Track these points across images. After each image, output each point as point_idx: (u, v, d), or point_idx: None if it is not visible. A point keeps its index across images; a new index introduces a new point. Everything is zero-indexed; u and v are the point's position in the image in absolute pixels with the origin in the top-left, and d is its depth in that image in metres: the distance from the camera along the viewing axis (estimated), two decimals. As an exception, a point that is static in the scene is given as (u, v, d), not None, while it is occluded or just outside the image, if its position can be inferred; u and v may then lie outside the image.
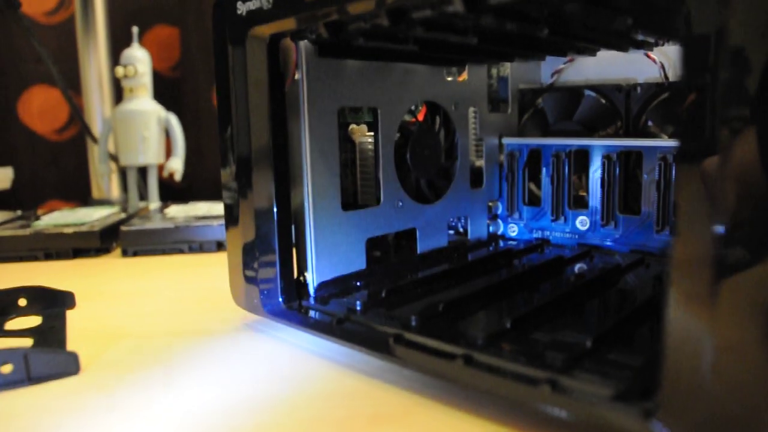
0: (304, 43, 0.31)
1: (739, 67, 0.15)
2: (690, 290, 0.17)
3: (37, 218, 0.63)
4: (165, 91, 0.86)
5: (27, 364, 0.27)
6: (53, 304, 0.37)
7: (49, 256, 0.55)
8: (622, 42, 0.35)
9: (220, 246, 0.55)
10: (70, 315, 0.37)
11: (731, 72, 0.15)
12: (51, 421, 0.24)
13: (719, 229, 0.16)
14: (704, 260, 0.16)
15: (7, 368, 0.27)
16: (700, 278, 0.16)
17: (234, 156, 0.32)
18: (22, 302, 0.37)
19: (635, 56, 0.39)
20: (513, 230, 0.44)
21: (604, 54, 0.39)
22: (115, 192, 0.84)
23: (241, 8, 0.30)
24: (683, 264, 0.17)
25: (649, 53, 0.39)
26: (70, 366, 0.28)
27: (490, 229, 0.45)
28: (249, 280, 0.33)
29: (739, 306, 0.16)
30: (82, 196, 0.90)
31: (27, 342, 0.32)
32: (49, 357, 0.28)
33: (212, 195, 0.87)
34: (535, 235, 0.43)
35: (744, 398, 0.16)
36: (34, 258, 0.54)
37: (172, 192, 0.88)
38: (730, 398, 0.16)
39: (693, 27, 0.16)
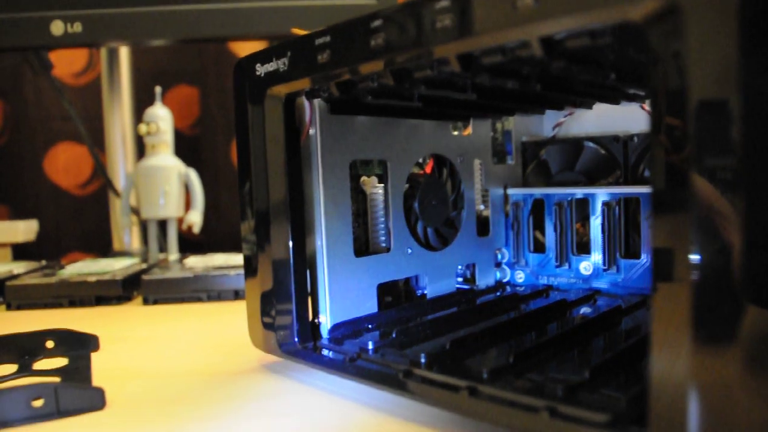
0: (317, 101, 0.33)
1: (700, 119, 0.17)
2: (669, 330, 0.18)
3: (62, 268, 0.65)
4: (184, 148, 0.89)
5: (57, 398, 0.29)
6: (78, 346, 0.39)
7: (73, 304, 0.57)
8: (614, 95, 0.37)
9: (237, 294, 0.57)
10: (94, 357, 0.38)
11: (694, 123, 0.17)
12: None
13: (695, 271, 0.18)
14: (681, 301, 0.18)
15: (39, 402, 0.28)
16: (679, 318, 0.18)
17: (253, 208, 0.34)
18: (50, 344, 0.39)
19: (632, 108, 0.41)
20: (520, 277, 0.46)
21: (603, 107, 0.41)
22: (136, 244, 0.87)
23: (260, 70, 0.33)
24: (662, 306, 0.18)
25: (644, 105, 0.41)
26: (96, 401, 0.30)
27: (498, 276, 0.46)
28: (267, 325, 0.34)
29: (716, 344, 0.18)
30: (103, 248, 0.93)
31: (55, 380, 0.33)
32: (77, 392, 0.30)
33: (229, 246, 0.89)
34: (541, 281, 0.45)
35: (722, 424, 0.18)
36: (59, 305, 0.57)
37: (190, 244, 0.90)
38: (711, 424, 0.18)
39: (658, 81, 0.18)
